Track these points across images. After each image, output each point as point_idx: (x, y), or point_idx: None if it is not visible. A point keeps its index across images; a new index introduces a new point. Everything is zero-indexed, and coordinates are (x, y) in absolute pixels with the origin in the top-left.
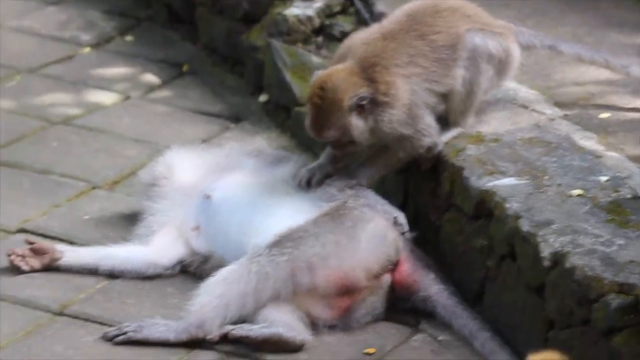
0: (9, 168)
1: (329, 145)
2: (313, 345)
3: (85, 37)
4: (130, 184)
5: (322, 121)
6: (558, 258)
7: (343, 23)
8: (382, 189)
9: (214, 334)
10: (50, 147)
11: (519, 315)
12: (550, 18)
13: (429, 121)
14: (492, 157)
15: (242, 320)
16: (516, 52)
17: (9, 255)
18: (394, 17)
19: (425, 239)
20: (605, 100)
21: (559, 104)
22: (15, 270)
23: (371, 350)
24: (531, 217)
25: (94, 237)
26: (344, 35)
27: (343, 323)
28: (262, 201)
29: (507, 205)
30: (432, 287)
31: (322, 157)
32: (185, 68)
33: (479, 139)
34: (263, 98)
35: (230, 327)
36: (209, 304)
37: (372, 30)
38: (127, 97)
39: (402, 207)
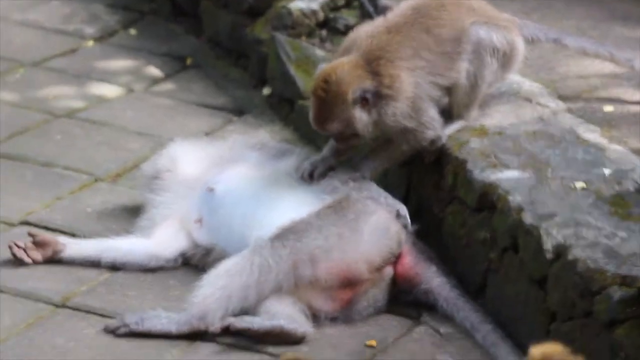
0: (12, 161)
1: (333, 138)
2: (314, 337)
3: (89, 30)
4: (133, 176)
5: (326, 114)
6: (561, 250)
7: (347, 16)
8: (385, 182)
9: (215, 326)
10: (54, 140)
11: (521, 308)
12: (555, 11)
13: (432, 114)
14: (495, 150)
15: (243, 312)
16: (520, 46)
17: (11, 248)
18: (399, 10)
19: (428, 231)
20: (609, 94)
21: (562, 97)
22: (17, 262)
23: (373, 343)
24: (534, 209)
25: (97, 230)
26: (348, 28)
27: (345, 315)
28: (265, 194)
29: (510, 198)
30: (434, 280)
31: (326, 150)
32: (188, 61)
33: (482, 131)
34: (267, 91)
35: (232, 319)
36: (211, 296)
37: (377, 24)
38: (131, 91)
39: (404, 199)
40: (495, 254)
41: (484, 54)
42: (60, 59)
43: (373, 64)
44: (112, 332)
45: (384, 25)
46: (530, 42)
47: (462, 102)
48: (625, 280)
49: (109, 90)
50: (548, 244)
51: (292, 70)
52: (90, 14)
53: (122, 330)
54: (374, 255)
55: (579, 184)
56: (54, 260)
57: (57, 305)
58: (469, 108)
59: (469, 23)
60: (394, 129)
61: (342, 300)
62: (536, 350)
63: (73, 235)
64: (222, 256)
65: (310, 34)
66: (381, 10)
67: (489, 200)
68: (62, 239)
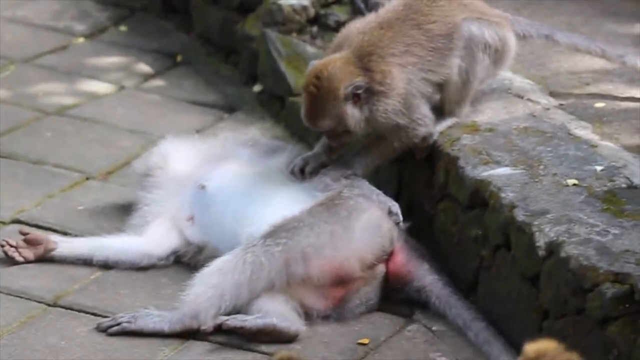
0: (2, 158)
1: (324, 135)
2: (307, 335)
3: (79, 27)
4: (124, 174)
5: (317, 110)
6: (553, 247)
7: (338, 13)
8: (377, 179)
9: (208, 324)
10: (44, 137)
11: (514, 305)
12: (546, 7)
13: (424, 111)
14: (487, 147)
15: (236, 310)
16: (512, 42)
17: (3, 246)
18: (391, 6)
19: (420, 229)
20: (601, 90)
21: (554, 94)
22: (9, 261)
23: (365, 341)
24: (526, 206)
25: (88, 228)
26: (339, 25)
27: (337, 313)
28: (257, 191)
29: (502, 195)
30: (426, 278)
31: (317, 147)
32: (179, 58)
33: (474, 128)
34: (257, 88)
35: (225, 317)
36: (204, 294)
37: (369, 19)
38: (121, 88)
39: (396, 197)
40: (487, 251)
41: (476, 50)
42: (51, 55)
43: (365, 60)
44: (105, 330)
45: (376, 22)
46: (522, 38)
47: (454, 98)
48: (617, 277)
49: (99, 87)
50: (540, 241)
51: (283, 66)
52: (80, 11)
53: (115, 329)
54: (366, 253)
55: (571, 181)
56: (46, 258)
57: (49, 304)
58: (460, 105)
59: (461, 19)
60: (385, 126)
61: (335, 298)
62: (530, 347)
63: (64, 233)
64: (214, 254)
65: (301, 31)
66: (372, 7)
67: (480, 197)
68: (54, 238)
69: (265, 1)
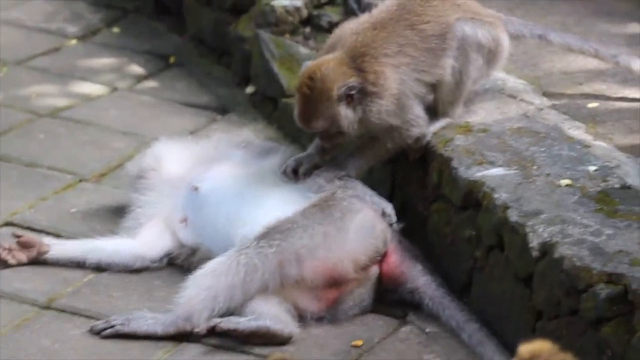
0: None
1: (318, 136)
2: (300, 337)
3: (72, 29)
4: (117, 176)
5: (311, 111)
6: (547, 248)
7: (331, 13)
8: (370, 180)
9: (201, 326)
10: (37, 139)
11: (507, 306)
12: (539, 7)
13: (417, 111)
14: (480, 147)
15: (229, 312)
16: (506, 42)
17: None
18: (384, 6)
19: (413, 229)
20: (594, 90)
21: (547, 94)
22: (2, 263)
23: (359, 343)
24: (520, 207)
25: (81, 230)
26: (332, 26)
27: (330, 315)
28: (250, 192)
29: (496, 196)
30: (420, 279)
31: (310, 148)
32: (172, 60)
33: (467, 129)
34: (250, 89)
35: (218, 320)
36: (197, 296)
37: (362, 20)
38: (114, 89)
39: (389, 197)
40: (481, 252)
41: (469, 50)
42: (43, 57)
43: (358, 60)
44: (98, 333)
45: (369, 22)
46: (515, 38)
47: (447, 99)
48: (611, 278)
49: (92, 89)
50: (534, 242)
51: (276, 68)
52: (73, 13)
53: (108, 331)
54: (359, 254)
55: (564, 181)
56: (39, 261)
57: (42, 307)
58: (454, 105)
59: (454, 19)
60: (378, 127)
61: (328, 300)
62: (525, 348)
63: (58, 235)
64: (207, 256)
65: (293, 32)
66: (365, 7)
67: (474, 198)
68: (47, 240)
69: (258, 2)
